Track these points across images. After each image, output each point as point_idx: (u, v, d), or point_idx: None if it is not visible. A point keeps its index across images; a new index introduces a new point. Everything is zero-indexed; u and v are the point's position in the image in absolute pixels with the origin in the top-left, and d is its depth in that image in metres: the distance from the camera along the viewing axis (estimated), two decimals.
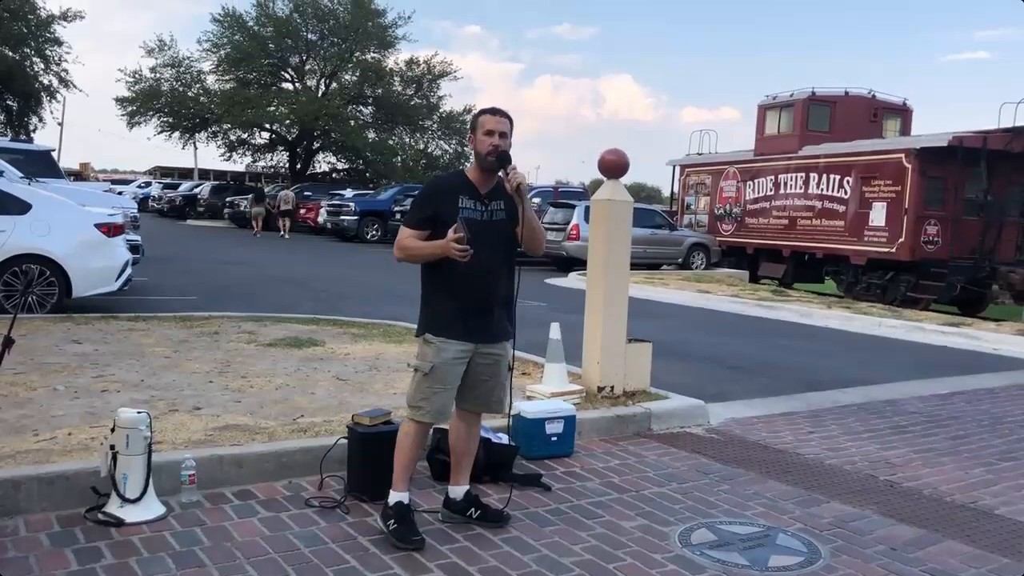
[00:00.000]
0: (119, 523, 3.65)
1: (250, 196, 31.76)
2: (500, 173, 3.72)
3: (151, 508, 3.77)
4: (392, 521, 3.66)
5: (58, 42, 33.19)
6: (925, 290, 16.99)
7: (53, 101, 36.19)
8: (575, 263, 17.90)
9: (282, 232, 28.88)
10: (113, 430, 3.77)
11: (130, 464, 3.74)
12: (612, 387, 6.10)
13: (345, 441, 4.30)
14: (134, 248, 11.22)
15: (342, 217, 28.09)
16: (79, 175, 44.26)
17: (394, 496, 3.73)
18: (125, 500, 3.71)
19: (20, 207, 8.84)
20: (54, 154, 17.05)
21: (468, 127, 3.92)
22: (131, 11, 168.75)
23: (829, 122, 20.41)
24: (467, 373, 3.78)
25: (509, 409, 4.04)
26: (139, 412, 3.84)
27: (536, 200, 23.61)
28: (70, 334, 7.46)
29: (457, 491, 3.96)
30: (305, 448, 4.46)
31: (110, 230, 9.32)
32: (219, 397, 5.51)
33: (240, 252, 21.53)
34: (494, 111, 3.79)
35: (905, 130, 20.77)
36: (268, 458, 4.35)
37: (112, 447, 3.74)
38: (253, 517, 3.86)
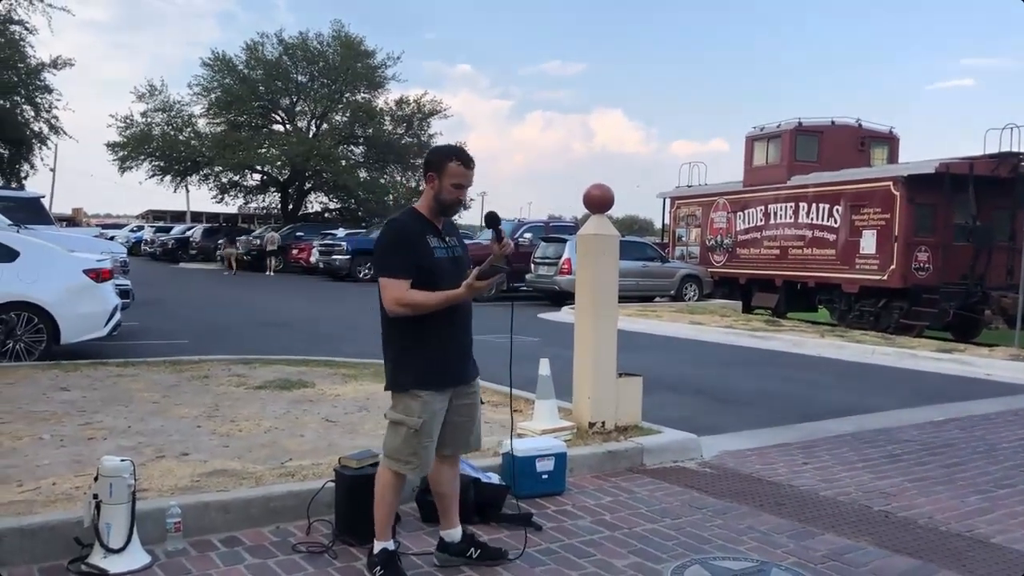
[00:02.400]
0: (103, 574, 3.59)
1: (223, 239, 34.53)
2: (494, 237, 3.61)
3: (136, 558, 3.71)
4: (379, 568, 3.60)
5: (48, 89, 33.26)
6: (918, 316, 17.01)
7: (44, 148, 36.18)
8: (567, 297, 17.89)
9: (268, 271, 31.14)
10: (96, 479, 3.73)
11: (114, 513, 3.68)
12: (603, 422, 6.07)
13: (333, 484, 4.25)
14: (124, 293, 11.19)
15: (334, 256, 28.18)
16: (72, 220, 44.30)
17: (379, 544, 3.67)
18: (109, 550, 3.65)
19: (8, 254, 8.82)
20: (44, 200, 17.05)
21: (427, 161, 3.71)
22: (121, 58, 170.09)
23: (817, 152, 20.55)
24: (445, 418, 3.71)
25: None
26: (123, 460, 3.79)
27: (528, 235, 23.68)
28: (58, 381, 7.40)
29: (453, 534, 3.89)
30: (293, 492, 4.40)
31: (99, 275, 9.30)
32: (207, 442, 5.46)
33: (232, 294, 21.51)
34: (468, 162, 3.64)
35: (892, 158, 20.91)
36: (255, 503, 4.30)
37: (95, 496, 3.69)
38: (239, 564, 3.80)
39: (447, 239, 3.70)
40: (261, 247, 32.42)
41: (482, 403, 3.91)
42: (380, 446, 5.02)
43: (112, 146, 41.14)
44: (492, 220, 3.77)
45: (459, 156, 3.64)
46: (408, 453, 3.60)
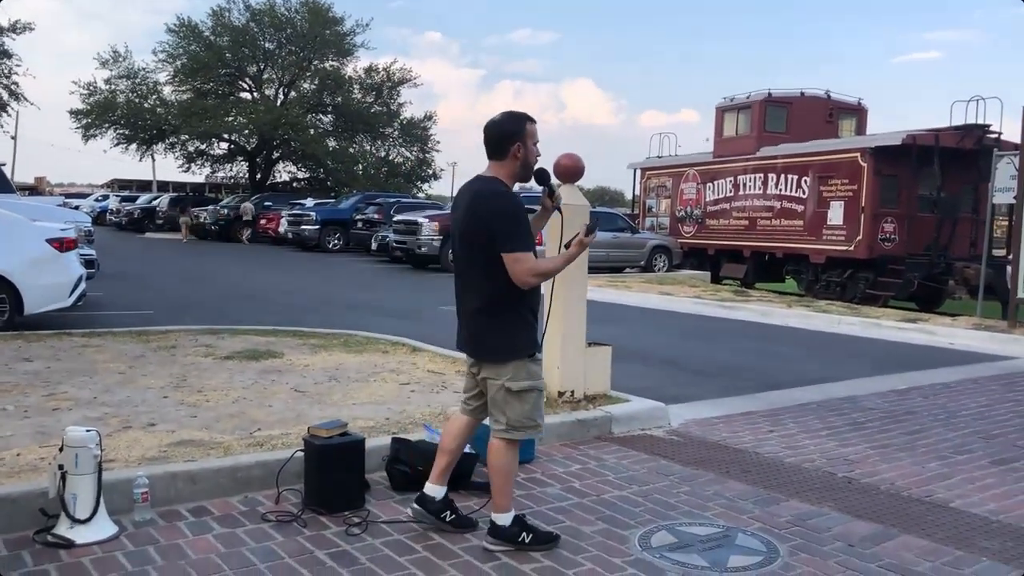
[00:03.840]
0: (69, 544, 3.57)
1: (177, 207, 35.56)
2: (546, 191, 3.88)
3: (102, 528, 3.69)
4: (525, 534, 3.71)
5: (7, 55, 32.66)
6: (883, 287, 17.23)
7: (4, 114, 35.50)
8: None
9: (243, 240, 31.55)
10: (62, 449, 3.69)
11: (79, 484, 3.65)
12: (572, 391, 6.10)
13: (301, 454, 4.25)
14: (89, 263, 11.04)
15: (303, 227, 27.95)
16: (35, 189, 43.53)
17: (511, 514, 3.74)
18: (75, 521, 3.63)
19: None
20: (5, 169, 16.71)
21: (507, 133, 3.65)
22: (84, 24, 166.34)
23: (786, 123, 20.65)
24: None
25: None
26: (88, 430, 3.76)
27: None
28: (21, 352, 7.30)
29: (438, 491, 3.90)
30: (261, 462, 4.39)
31: (62, 245, 9.15)
32: (174, 412, 5.43)
33: (199, 264, 21.29)
34: (535, 120, 3.75)
35: (860, 130, 21.07)
36: (223, 473, 4.28)
37: (61, 467, 3.66)
38: (208, 534, 3.79)
39: None
40: (236, 216, 32.63)
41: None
42: (349, 416, 5.05)
43: (75, 113, 40.43)
44: (543, 176, 3.89)
45: (531, 118, 3.73)
46: (538, 416, 3.73)
